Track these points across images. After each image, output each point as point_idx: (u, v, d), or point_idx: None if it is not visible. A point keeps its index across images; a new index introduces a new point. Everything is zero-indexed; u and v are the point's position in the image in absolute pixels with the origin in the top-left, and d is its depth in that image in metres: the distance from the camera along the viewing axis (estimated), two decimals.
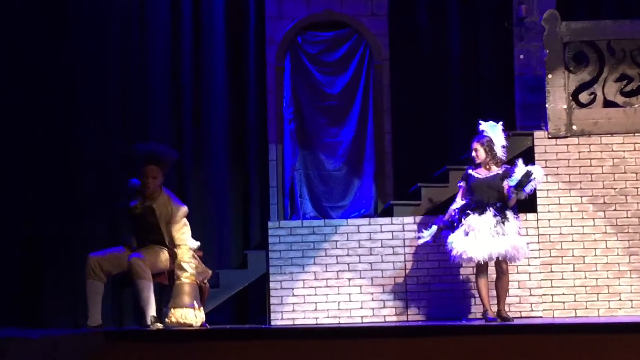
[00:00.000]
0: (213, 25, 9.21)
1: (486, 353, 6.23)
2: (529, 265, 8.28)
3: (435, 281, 8.32)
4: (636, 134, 8.39)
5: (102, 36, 9.01)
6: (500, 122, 7.80)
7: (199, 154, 9.15)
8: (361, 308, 8.35)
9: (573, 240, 8.31)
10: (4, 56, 8.83)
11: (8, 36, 8.84)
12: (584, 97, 8.49)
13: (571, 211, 8.34)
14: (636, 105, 8.46)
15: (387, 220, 8.46)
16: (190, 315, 7.17)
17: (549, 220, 8.34)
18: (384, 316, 8.34)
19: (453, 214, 7.70)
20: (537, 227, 8.33)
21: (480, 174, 7.69)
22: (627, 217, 8.32)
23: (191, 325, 7.08)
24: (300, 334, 6.66)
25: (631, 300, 8.27)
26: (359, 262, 8.40)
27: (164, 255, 7.23)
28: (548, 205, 8.34)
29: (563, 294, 8.29)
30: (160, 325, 7.16)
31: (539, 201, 8.34)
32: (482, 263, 7.56)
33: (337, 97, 9.13)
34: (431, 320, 8.17)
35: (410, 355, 6.22)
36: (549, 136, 8.44)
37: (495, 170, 7.67)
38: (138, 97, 9.12)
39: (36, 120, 8.84)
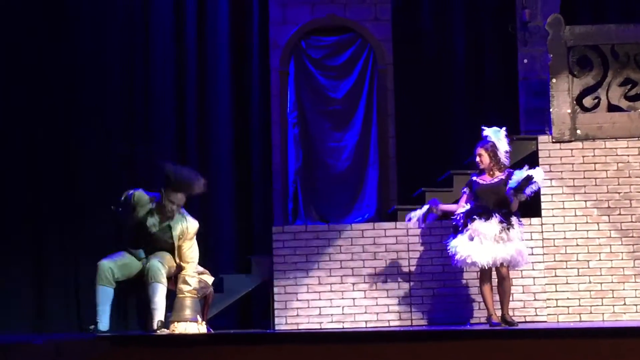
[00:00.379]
0: (217, 30, 9.23)
1: (490, 358, 6.22)
2: (533, 269, 8.27)
3: (440, 286, 8.32)
4: None
5: (104, 39, 9.04)
6: (504, 128, 7.79)
7: (203, 157, 9.16)
8: (365, 312, 8.35)
9: (577, 245, 8.31)
10: (4, 56, 8.84)
11: (8, 36, 8.86)
12: (588, 101, 8.48)
13: (575, 215, 8.33)
14: None
15: (391, 224, 8.46)
16: (192, 329, 7.19)
17: (553, 224, 8.33)
18: (388, 321, 8.33)
19: (457, 217, 7.68)
20: (542, 232, 8.33)
21: (484, 180, 7.68)
22: (632, 222, 8.31)
23: None
24: (304, 338, 6.66)
25: (636, 305, 8.25)
26: (363, 267, 8.39)
27: (173, 261, 7.27)
28: (552, 209, 8.33)
29: (567, 298, 8.28)
30: (166, 331, 7.17)
31: (543, 205, 8.33)
32: (486, 268, 7.55)
33: (341, 101, 9.14)
34: (435, 325, 8.16)
35: (414, 359, 6.21)
36: (553, 140, 8.43)
37: (499, 175, 7.67)
38: (141, 101, 9.14)
39: (36, 120, 8.86)
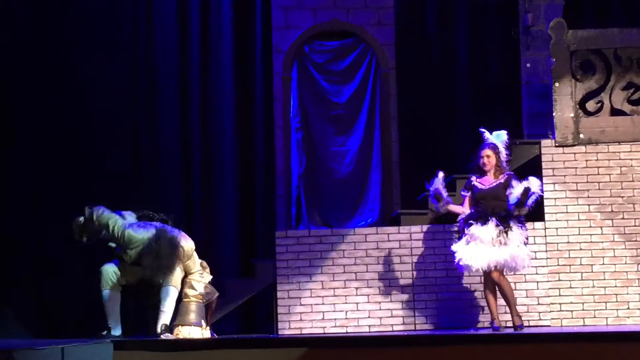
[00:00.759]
0: (220, 35, 9.24)
1: None
2: (536, 274, 8.26)
3: (443, 290, 8.31)
4: None
5: (109, 42, 9.04)
6: (504, 131, 7.80)
7: (206, 162, 9.17)
8: (369, 317, 8.34)
9: (581, 249, 8.30)
10: (9, 57, 8.85)
11: (13, 36, 8.85)
12: (591, 105, 8.48)
13: (579, 219, 8.32)
14: None
15: (394, 229, 8.45)
16: (196, 333, 7.20)
17: (556, 228, 8.33)
18: (392, 325, 8.33)
19: (458, 223, 7.70)
20: (545, 236, 8.32)
21: (483, 184, 7.68)
22: (635, 225, 8.30)
23: None
24: (307, 343, 6.66)
25: (639, 309, 8.24)
26: (367, 271, 8.39)
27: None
28: (556, 213, 8.32)
29: (571, 302, 8.27)
30: (170, 335, 7.17)
31: (546, 210, 8.32)
32: (482, 272, 7.55)
33: (344, 105, 9.14)
34: (439, 330, 8.16)
35: None
36: (556, 144, 8.43)
37: (499, 179, 7.68)
38: (145, 106, 9.14)
39: (41, 120, 8.86)
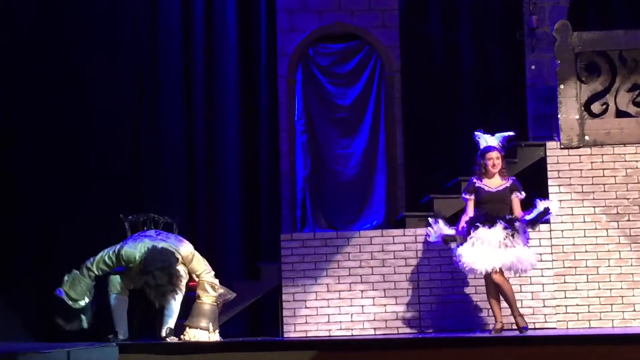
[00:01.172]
0: (224, 38, 9.25)
1: None
2: (542, 276, 8.25)
3: (449, 293, 8.30)
4: None
5: (115, 44, 9.05)
6: (499, 134, 7.77)
7: (211, 165, 9.17)
8: (374, 320, 8.33)
9: (586, 251, 8.28)
10: (13, 59, 8.86)
11: (18, 37, 8.86)
12: (596, 107, 8.47)
13: (584, 222, 8.31)
14: None
15: (399, 231, 8.45)
16: (203, 337, 7.20)
17: (562, 231, 8.31)
18: (397, 328, 8.32)
19: (465, 226, 7.67)
20: (550, 238, 8.31)
21: (489, 187, 7.66)
22: None
23: None
24: (313, 346, 6.65)
25: None
26: (372, 274, 8.38)
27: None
28: (561, 216, 8.31)
29: (577, 305, 8.25)
30: (175, 339, 7.17)
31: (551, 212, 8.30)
32: (487, 274, 7.51)
33: (348, 108, 9.14)
34: (444, 332, 8.14)
35: None
36: (562, 147, 8.42)
37: (504, 182, 7.66)
38: (149, 109, 9.15)
39: (41, 119, 8.87)
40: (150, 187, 9.08)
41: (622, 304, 8.23)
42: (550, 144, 8.45)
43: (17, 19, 8.92)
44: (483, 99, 9.31)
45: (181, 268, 7.24)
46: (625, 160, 8.35)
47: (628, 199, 8.33)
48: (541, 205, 7.52)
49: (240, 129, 9.19)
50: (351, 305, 8.35)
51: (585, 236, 8.29)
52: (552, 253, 8.30)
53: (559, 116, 8.46)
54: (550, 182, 8.32)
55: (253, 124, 9.22)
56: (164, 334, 7.18)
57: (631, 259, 8.27)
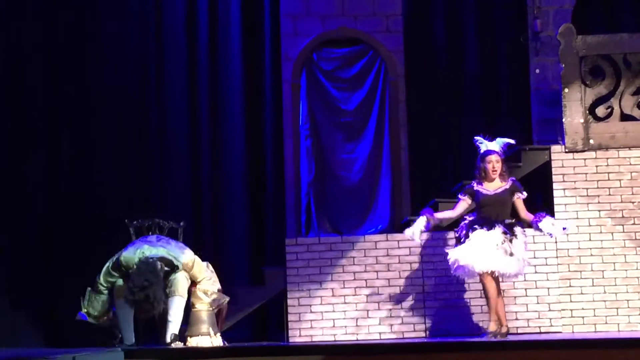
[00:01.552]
0: (229, 43, 9.26)
1: None
2: (547, 280, 8.24)
3: (454, 297, 8.29)
4: None
5: (120, 51, 9.07)
6: (500, 138, 7.76)
7: (216, 170, 9.18)
8: (379, 324, 8.33)
9: (592, 255, 8.27)
10: (17, 59, 8.88)
11: (27, 38, 8.89)
12: (600, 111, 8.47)
13: (589, 225, 8.30)
14: None
15: (404, 236, 8.43)
16: (205, 343, 7.20)
17: (567, 234, 8.28)
18: (402, 332, 8.31)
19: (459, 229, 7.63)
20: (556, 242, 8.30)
21: (487, 190, 7.65)
22: None
23: None
24: (319, 350, 6.65)
25: None
26: (377, 278, 8.38)
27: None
28: (566, 219, 8.29)
29: (582, 308, 8.24)
30: (180, 344, 7.17)
31: (557, 216, 8.29)
32: (480, 275, 7.47)
33: (352, 113, 9.14)
34: (450, 336, 8.13)
35: None
36: (566, 150, 8.42)
37: (504, 185, 7.64)
38: (154, 113, 9.16)
39: (54, 123, 8.89)
40: (156, 192, 9.08)
41: (628, 307, 8.22)
42: (554, 148, 8.44)
43: (24, 16, 8.92)
44: (487, 103, 9.31)
45: (182, 274, 7.23)
46: (630, 164, 8.34)
47: (633, 202, 8.31)
48: (559, 224, 7.52)
49: (244, 134, 9.20)
50: (356, 310, 8.34)
51: (590, 240, 8.28)
52: (557, 257, 8.29)
53: (563, 120, 8.46)
54: (555, 186, 8.32)
55: (257, 128, 9.23)
56: (168, 339, 7.18)
57: (636, 262, 8.25)
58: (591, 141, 8.41)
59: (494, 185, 7.66)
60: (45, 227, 8.80)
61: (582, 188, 8.35)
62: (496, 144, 7.75)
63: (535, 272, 8.22)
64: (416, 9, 9.35)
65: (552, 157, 8.42)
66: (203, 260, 7.54)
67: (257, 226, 9.15)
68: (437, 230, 8.40)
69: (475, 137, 7.81)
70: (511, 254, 7.44)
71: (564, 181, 8.33)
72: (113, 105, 9.03)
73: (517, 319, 8.15)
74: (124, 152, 9.01)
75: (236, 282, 8.76)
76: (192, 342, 7.23)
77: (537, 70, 9.03)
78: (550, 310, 8.25)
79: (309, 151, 9.08)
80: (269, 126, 9.22)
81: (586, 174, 8.36)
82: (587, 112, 8.45)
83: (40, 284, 8.69)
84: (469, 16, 9.36)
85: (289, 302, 8.36)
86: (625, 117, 8.45)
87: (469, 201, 7.69)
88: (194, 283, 7.33)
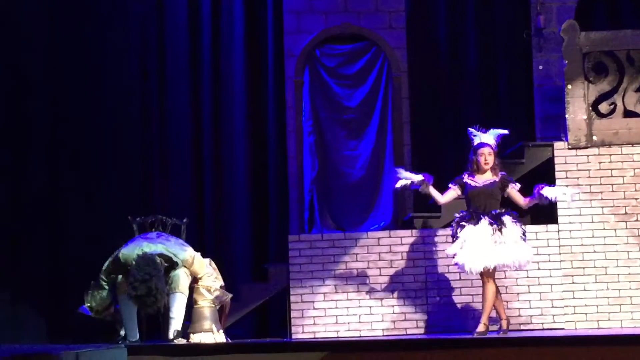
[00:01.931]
0: (232, 40, 9.26)
1: None
2: (550, 277, 8.24)
3: (457, 293, 8.29)
4: None
5: (123, 50, 9.06)
6: (494, 130, 7.72)
7: (219, 167, 9.18)
8: (382, 321, 8.33)
9: (595, 252, 8.27)
10: (19, 59, 8.88)
11: (21, 36, 8.89)
12: (604, 107, 8.46)
13: (592, 222, 8.29)
14: None
15: (407, 232, 8.45)
16: (208, 339, 7.21)
17: (570, 231, 8.30)
18: (405, 329, 8.31)
19: (452, 226, 7.60)
20: (559, 239, 8.30)
21: (476, 182, 7.60)
22: None
23: None
24: (322, 347, 6.66)
25: None
26: (380, 275, 8.38)
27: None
28: (569, 216, 8.30)
29: (585, 305, 8.23)
30: (183, 340, 7.18)
31: (560, 212, 8.30)
32: (478, 273, 7.45)
33: (355, 109, 9.14)
34: (452, 333, 8.13)
35: None
36: (569, 147, 8.41)
37: (493, 177, 7.60)
38: (156, 111, 9.17)
39: (54, 124, 8.88)
40: (159, 190, 9.09)
41: (631, 304, 8.21)
42: (558, 145, 8.44)
43: (24, 17, 8.92)
44: (490, 100, 9.30)
45: (183, 270, 7.24)
46: (634, 160, 8.33)
47: (636, 199, 8.31)
48: (565, 192, 7.48)
49: (247, 130, 9.20)
50: (359, 306, 8.35)
51: (593, 236, 8.28)
52: (560, 253, 8.29)
53: (566, 116, 8.45)
54: (558, 182, 8.31)
55: (260, 125, 9.23)
56: (171, 336, 7.19)
57: (639, 259, 8.24)
58: (594, 138, 8.40)
59: (483, 178, 7.60)
60: (49, 221, 8.80)
61: (585, 185, 8.34)
62: (490, 136, 7.69)
63: (538, 269, 8.22)
64: (419, 5, 9.34)
65: (555, 154, 8.41)
66: (206, 257, 7.55)
67: (260, 223, 9.15)
68: (440, 228, 8.40)
69: (469, 129, 7.77)
70: (503, 243, 7.37)
71: (567, 178, 8.32)
72: (115, 99, 9.02)
73: (520, 315, 8.15)
74: (127, 151, 9.00)
75: (239, 279, 8.76)
76: (195, 338, 7.24)
77: (540, 67, 9.02)
78: (553, 306, 8.25)
79: (312, 148, 9.08)
80: (271, 123, 9.22)
81: (589, 170, 8.36)
82: (590, 108, 8.44)
83: (44, 280, 8.70)
84: (472, 13, 9.35)
85: (292, 298, 8.36)
86: (628, 114, 8.44)
87: (458, 191, 7.65)
88: (195, 280, 7.33)
